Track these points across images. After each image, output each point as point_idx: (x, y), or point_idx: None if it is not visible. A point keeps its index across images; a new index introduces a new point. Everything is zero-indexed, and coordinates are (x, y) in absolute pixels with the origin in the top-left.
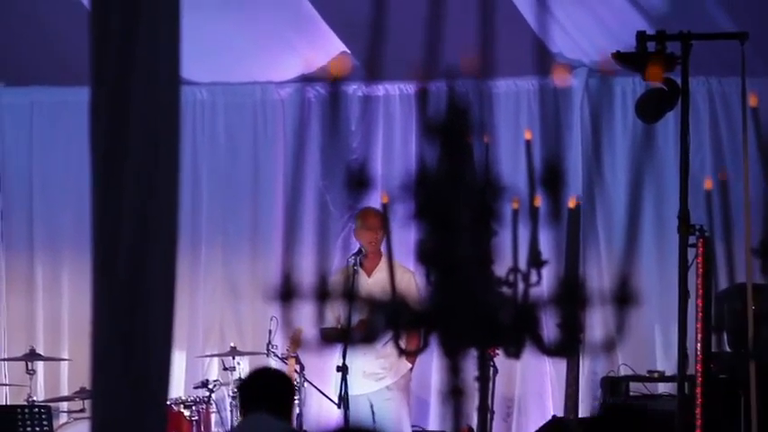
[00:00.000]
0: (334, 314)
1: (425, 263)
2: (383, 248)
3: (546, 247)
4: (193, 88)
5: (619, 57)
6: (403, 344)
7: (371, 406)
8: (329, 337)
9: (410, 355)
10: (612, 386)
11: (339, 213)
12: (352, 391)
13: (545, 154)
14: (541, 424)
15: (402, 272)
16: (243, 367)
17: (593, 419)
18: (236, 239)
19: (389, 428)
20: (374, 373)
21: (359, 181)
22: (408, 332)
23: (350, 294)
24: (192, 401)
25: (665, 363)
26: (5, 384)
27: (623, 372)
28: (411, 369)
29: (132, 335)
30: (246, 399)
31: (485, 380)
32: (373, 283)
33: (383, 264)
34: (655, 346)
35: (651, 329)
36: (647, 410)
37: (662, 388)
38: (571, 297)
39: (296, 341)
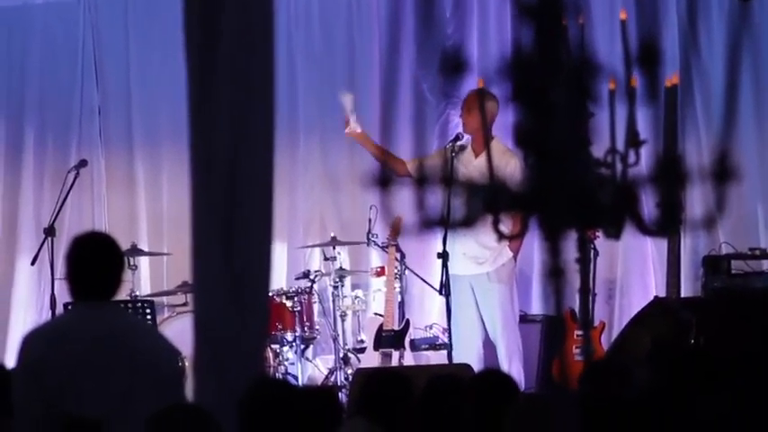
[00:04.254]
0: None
1: (523, 145)
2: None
3: (644, 126)
4: None
5: None
6: (503, 227)
7: (473, 290)
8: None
9: (511, 239)
10: (714, 265)
11: (436, 101)
12: (453, 271)
13: (641, 34)
14: (644, 305)
15: (509, 156)
16: (343, 257)
17: (697, 301)
18: (333, 131)
19: (492, 319)
20: (474, 257)
21: (455, 66)
22: (507, 215)
23: (448, 179)
24: (294, 292)
25: (767, 240)
26: None
27: (725, 250)
28: (515, 258)
29: (231, 228)
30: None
31: (586, 262)
32: (478, 163)
33: (493, 147)
34: (757, 223)
35: (753, 207)
36: (751, 291)
37: (765, 265)
38: (670, 175)
39: (396, 229)
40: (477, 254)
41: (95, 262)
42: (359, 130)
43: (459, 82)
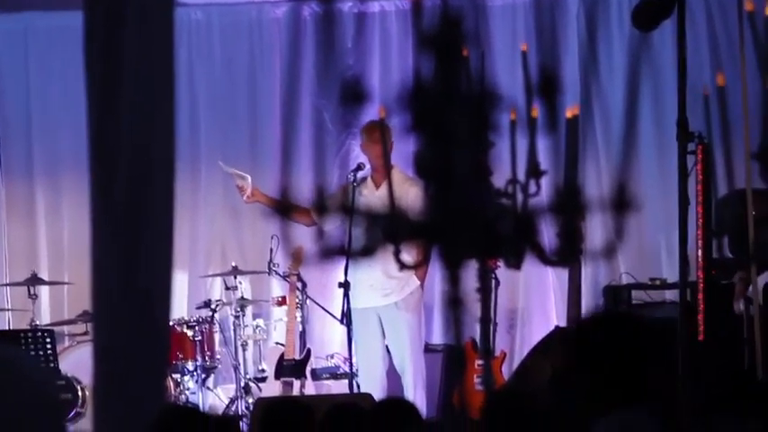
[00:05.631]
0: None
1: (423, 175)
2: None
3: (544, 157)
4: (188, 9)
5: None
6: (404, 257)
7: (380, 320)
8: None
9: (413, 268)
10: (614, 295)
11: (337, 131)
12: (359, 304)
13: (541, 65)
14: (545, 335)
15: (410, 184)
16: (244, 286)
17: (587, 326)
18: (234, 160)
19: (400, 348)
20: (381, 288)
21: (355, 96)
22: (408, 244)
23: (348, 209)
24: (195, 322)
25: (669, 270)
26: (8, 309)
27: (625, 280)
28: (421, 286)
29: (132, 257)
30: None
31: (486, 291)
32: (380, 195)
33: (393, 176)
34: (659, 253)
35: (654, 237)
36: (644, 317)
37: (666, 295)
38: (570, 205)
39: (297, 258)
40: (384, 284)
41: None
42: (254, 194)
43: (359, 112)
